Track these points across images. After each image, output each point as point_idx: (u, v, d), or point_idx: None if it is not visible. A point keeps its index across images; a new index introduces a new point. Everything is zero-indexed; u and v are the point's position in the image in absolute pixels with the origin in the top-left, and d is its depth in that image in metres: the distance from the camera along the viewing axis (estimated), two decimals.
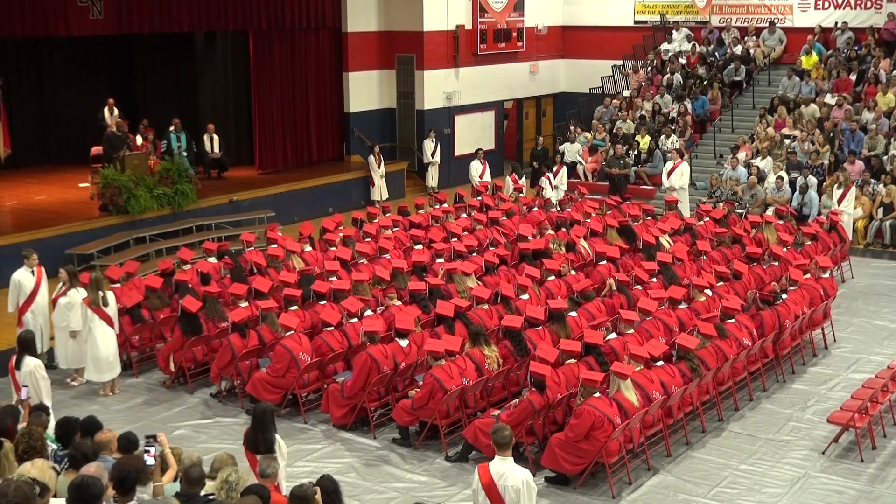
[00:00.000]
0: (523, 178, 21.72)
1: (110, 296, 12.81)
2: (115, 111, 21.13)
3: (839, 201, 19.18)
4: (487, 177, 22.38)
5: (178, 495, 7.02)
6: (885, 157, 20.55)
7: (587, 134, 24.47)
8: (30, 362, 10.35)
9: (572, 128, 24.77)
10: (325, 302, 13.09)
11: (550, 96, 28.94)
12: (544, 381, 10.34)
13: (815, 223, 17.61)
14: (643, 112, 24.60)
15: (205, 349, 12.95)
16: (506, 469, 7.77)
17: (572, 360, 11.00)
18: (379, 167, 22.79)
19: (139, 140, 20.48)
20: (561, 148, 24.09)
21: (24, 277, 13.22)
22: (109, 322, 12.70)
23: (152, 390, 12.97)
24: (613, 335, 11.93)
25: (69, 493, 6.20)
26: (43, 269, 13.43)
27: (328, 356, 11.97)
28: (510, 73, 26.85)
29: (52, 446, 7.92)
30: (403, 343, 11.70)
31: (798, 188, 19.95)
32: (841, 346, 14.35)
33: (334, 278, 14.15)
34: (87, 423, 8.12)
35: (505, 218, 17.76)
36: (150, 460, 7.24)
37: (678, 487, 10.26)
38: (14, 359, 10.52)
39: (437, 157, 24.32)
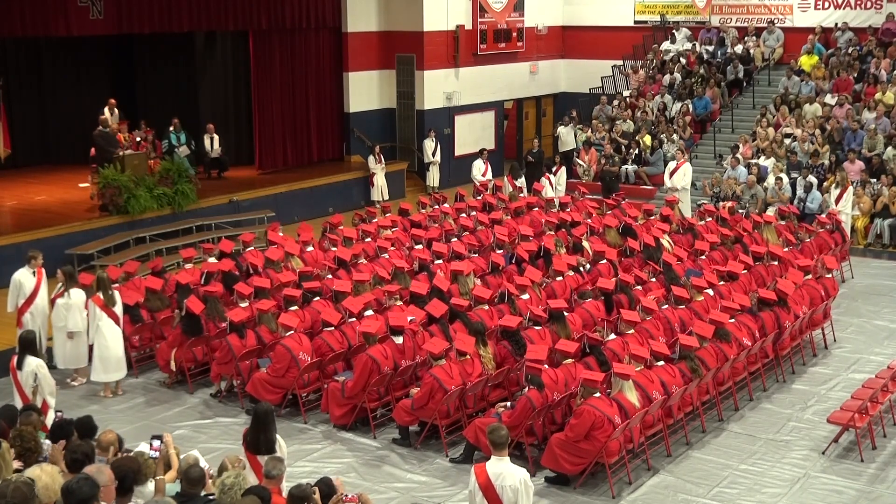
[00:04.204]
0: (521, 178, 21.71)
1: (116, 295, 12.82)
2: (116, 111, 21.10)
3: (836, 201, 19.21)
4: (489, 177, 22.37)
5: (178, 496, 7.01)
6: (885, 157, 20.54)
7: (589, 132, 24.48)
8: (31, 362, 10.34)
9: (567, 118, 24.89)
10: (318, 298, 13.09)
11: (550, 96, 28.94)
12: (541, 378, 10.34)
13: (816, 223, 17.59)
14: (644, 111, 24.58)
15: (205, 349, 12.95)
16: (503, 469, 7.75)
17: (569, 361, 10.98)
18: (379, 167, 22.79)
19: (137, 139, 20.46)
20: (557, 132, 24.15)
21: (24, 278, 13.20)
22: (118, 321, 12.71)
23: (152, 390, 12.97)
24: (613, 336, 11.92)
25: (62, 497, 6.18)
26: (43, 270, 13.41)
27: (328, 356, 11.97)
28: (510, 73, 26.85)
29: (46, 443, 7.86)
30: (398, 340, 11.70)
31: (803, 188, 19.97)
32: (841, 346, 14.35)
33: (330, 276, 14.15)
34: (83, 423, 8.08)
35: (508, 217, 17.73)
36: (153, 454, 7.24)
37: (678, 487, 10.26)
38: (15, 359, 10.51)
39: (438, 157, 24.34)
